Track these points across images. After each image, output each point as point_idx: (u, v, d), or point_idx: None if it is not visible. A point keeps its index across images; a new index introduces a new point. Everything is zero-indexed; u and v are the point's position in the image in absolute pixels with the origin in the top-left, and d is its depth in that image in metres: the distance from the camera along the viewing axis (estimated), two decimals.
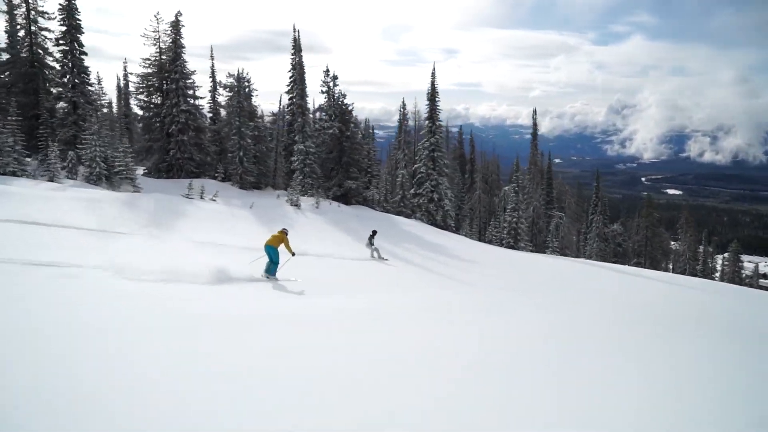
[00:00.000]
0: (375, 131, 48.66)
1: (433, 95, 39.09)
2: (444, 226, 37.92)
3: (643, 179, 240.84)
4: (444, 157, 39.84)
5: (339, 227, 24.72)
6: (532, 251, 40.14)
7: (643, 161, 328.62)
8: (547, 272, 22.52)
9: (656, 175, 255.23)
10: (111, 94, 54.05)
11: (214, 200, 25.45)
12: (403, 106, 47.79)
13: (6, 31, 29.48)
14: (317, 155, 35.61)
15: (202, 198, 25.15)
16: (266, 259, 12.38)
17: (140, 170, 35.53)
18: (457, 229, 42.59)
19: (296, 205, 27.31)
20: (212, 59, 37.78)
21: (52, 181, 21.23)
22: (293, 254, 12.87)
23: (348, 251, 19.59)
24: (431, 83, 39.18)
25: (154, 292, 9.26)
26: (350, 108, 36.48)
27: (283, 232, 12.98)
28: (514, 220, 40.06)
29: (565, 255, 42.43)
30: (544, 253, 40.42)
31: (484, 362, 6.28)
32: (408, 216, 36.87)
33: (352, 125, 36.35)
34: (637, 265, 47.28)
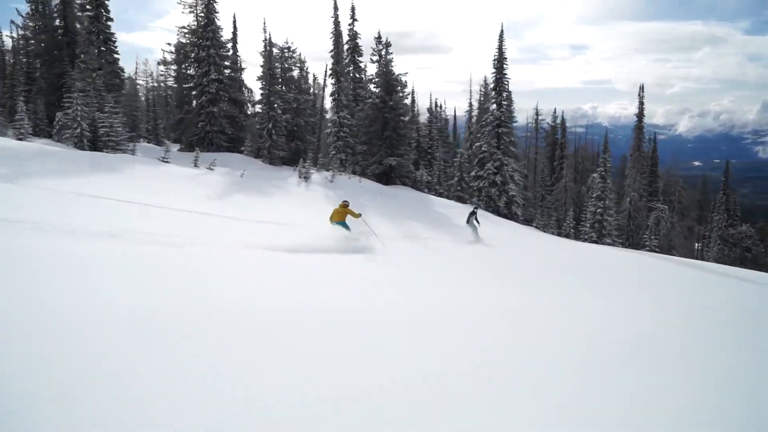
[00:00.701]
0: None
1: (500, 61, 33.29)
2: (508, 215, 32.03)
3: None
4: (511, 134, 33.67)
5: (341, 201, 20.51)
6: (624, 247, 32.63)
7: None
8: (587, 261, 16.45)
9: None
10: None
11: (212, 169, 22.64)
12: (485, 84, 42.07)
13: (41, 2, 29.42)
14: (357, 128, 31.72)
15: (196, 166, 22.44)
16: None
17: (175, 147, 34.24)
18: (529, 221, 36.23)
19: (304, 178, 23.62)
20: (264, 32, 35.52)
21: (22, 140, 19.52)
22: (359, 215, 13.29)
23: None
24: (498, 48, 33.35)
25: None
26: (398, 76, 32.02)
27: (344, 205, 13.15)
28: (599, 210, 32.86)
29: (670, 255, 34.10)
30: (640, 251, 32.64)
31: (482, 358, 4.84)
32: (464, 201, 31.59)
33: (395, 94, 31.70)
34: None
